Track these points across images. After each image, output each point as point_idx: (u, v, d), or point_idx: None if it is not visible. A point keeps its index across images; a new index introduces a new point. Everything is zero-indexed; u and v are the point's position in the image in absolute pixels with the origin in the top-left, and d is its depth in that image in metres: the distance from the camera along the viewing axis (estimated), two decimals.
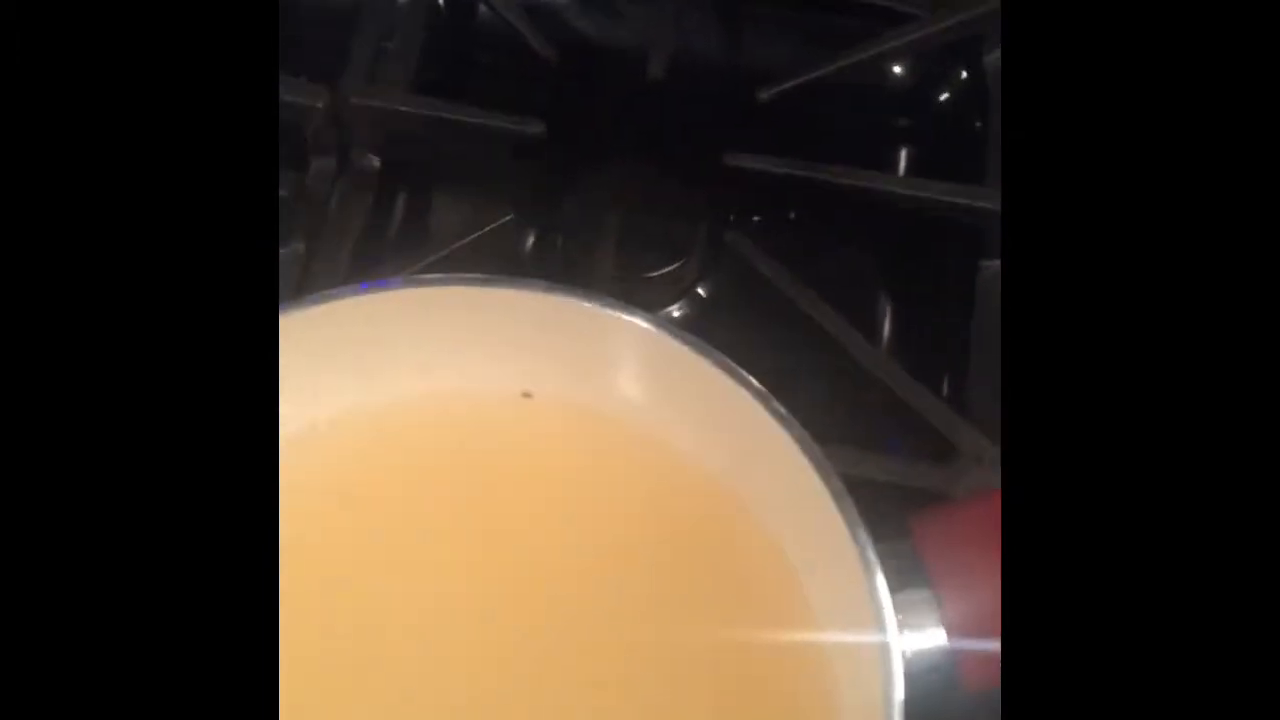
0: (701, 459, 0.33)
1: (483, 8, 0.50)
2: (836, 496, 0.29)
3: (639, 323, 0.32)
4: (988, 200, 0.45)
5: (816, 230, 0.47)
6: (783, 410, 0.31)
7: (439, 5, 0.50)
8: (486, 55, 0.50)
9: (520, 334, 0.33)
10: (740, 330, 0.44)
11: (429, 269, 0.42)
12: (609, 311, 0.32)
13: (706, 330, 0.34)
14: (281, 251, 0.44)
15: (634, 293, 0.43)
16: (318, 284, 0.43)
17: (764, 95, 0.47)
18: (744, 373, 0.31)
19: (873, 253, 0.47)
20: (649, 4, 0.49)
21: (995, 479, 0.38)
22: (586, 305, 0.32)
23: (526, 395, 0.34)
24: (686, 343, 0.31)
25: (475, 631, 0.32)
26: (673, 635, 0.32)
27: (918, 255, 0.47)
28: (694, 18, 0.49)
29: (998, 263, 0.44)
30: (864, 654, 0.28)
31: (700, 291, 0.46)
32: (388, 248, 0.45)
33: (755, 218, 0.47)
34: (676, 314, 0.46)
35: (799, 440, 0.30)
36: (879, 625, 0.28)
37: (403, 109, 0.45)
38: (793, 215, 0.48)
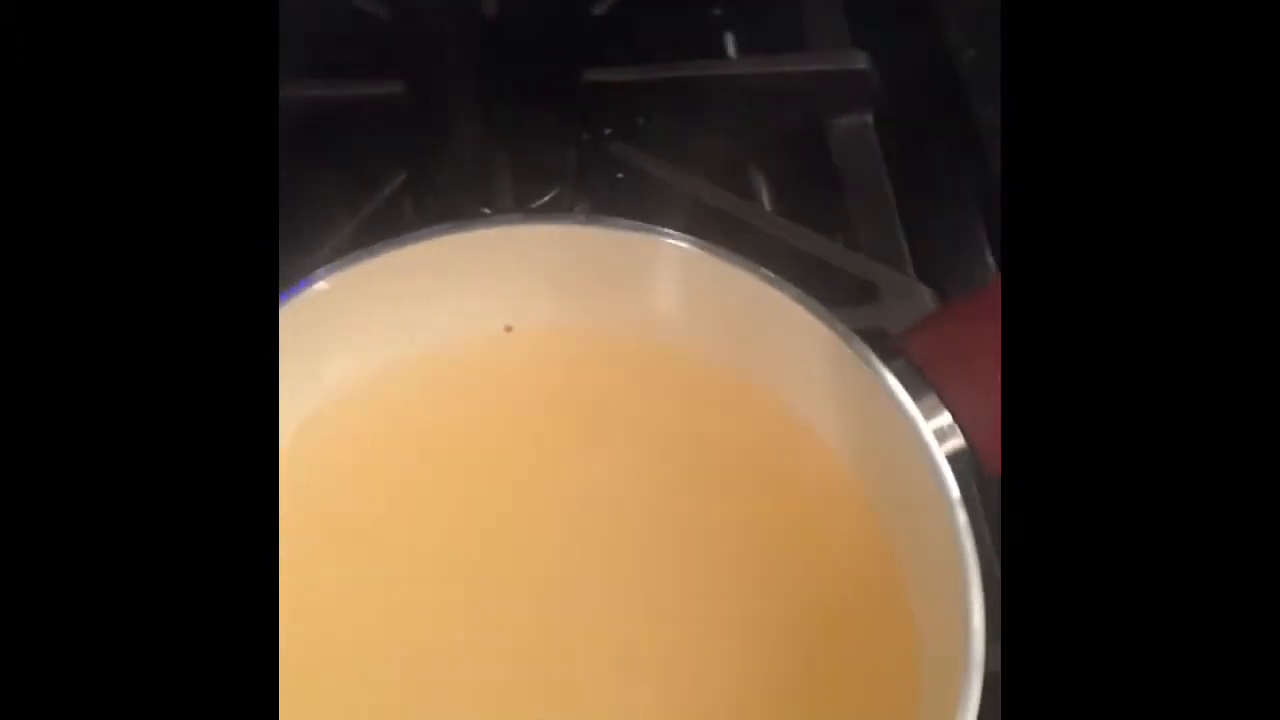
0: (734, 364, 0.35)
1: None
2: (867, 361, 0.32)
3: (674, 242, 0.34)
4: (820, 63, 0.49)
5: (674, 129, 0.50)
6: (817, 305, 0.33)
7: None
8: (317, 27, 0.50)
9: (546, 268, 0.35)
10: None
11: (338, 251, 0.43)
12: (641, 235, 0.34)
13: None
14: None
15: None
16: None
17: (597, 10, 0.49)
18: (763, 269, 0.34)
19: (730, 131, 0.50)
20: None
21: (920, 305, 0.42)
22: (618, 232, 0.33)
23: (508, 329, 0.36)
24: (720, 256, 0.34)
25: (541, 559, 0.34)
26: (721, 528, 0.34)
27: (770, 124, 0.50)
28: None
29: (848, 117, 0.48)
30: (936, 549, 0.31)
31: (579, 210, 0.48)
32: (285, 242, 0.44)
33: (610, 129, 0.49)
34: None
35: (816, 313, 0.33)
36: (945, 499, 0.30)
37: None
38: (642, 120, 0.50)
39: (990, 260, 0.45)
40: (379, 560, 0.33)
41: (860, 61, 0.48)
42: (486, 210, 0.45)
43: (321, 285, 0.33)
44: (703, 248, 0.34)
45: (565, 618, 0.33)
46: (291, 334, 0.32)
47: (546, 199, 0.46)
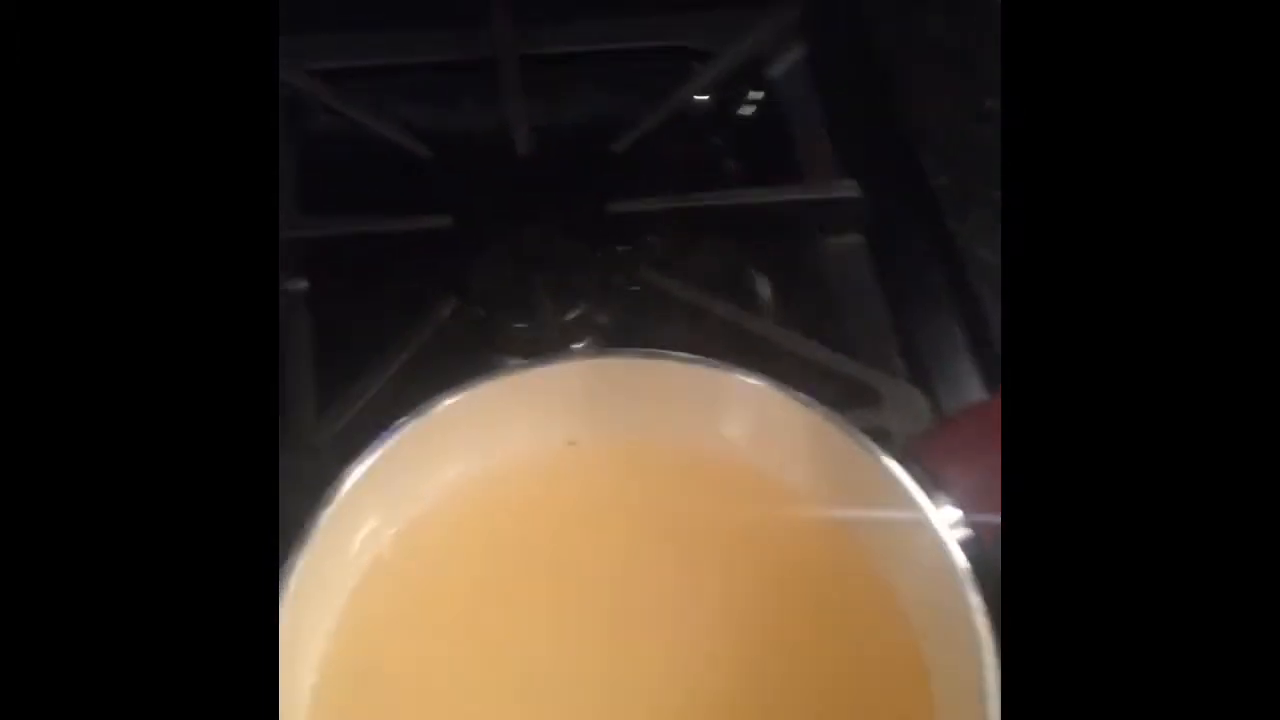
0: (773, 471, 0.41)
1: (336, 121, 0.56)
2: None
3: (747, 380, 0.40)
4: (820, 193, 0.56)
5: (685, 247, 0.56)
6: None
7: (295, 130, 0.55)
8: (362, 165, 0.56)
9: (629, 396, 0.40)
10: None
11: (405, 369, 0.48)
12: (718, 371, 0.40)
13: None
14: None
15: (558, 336, 0.51)
16: (290, 404, 0.48)
17: (617, 147, 0.55)
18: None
19: (735, 252, 0.56)
20: (488, 93, 0.56)
21: (916, 407, 0.48)
22: (693, 367, 0.39)
23: (572, 443, 0.42)
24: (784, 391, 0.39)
25: (603, 652, 0.38)
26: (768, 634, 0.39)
27: (774, 245, 0.56)
28: (541, 94, 0.56)
29: (841, 238, 0.55)
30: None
31: (601, 322, 0.54)
32: (350, 364, 0.49)
33: (627, 248, 0.55)
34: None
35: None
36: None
37: (328, 233, 0.51)
38: (655, 239, 0.56)
39: (973, 365, 0.51)
40: (460, 655, 0.38)
41: (849, 189, 0.54)
42: (521, 325, 0.51)
43: (432, 413, 0.38)
44: (765, 382, 0.40)
45: (627, 714, 0.38)
46: (399, 457, 0.37)
47: (575, 314, 0.52)
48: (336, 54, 0.58)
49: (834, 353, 0.51)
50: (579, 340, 0.52)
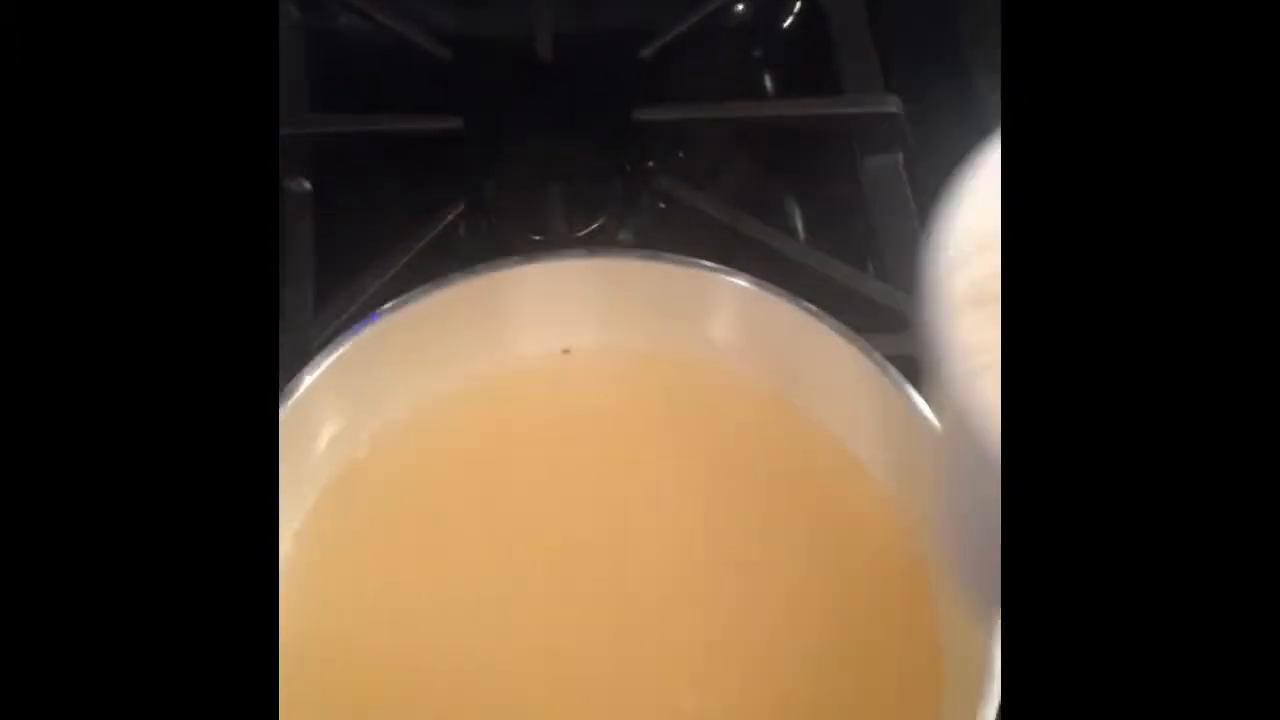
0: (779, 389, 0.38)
1: (356, 20, 0.53)
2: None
3: (734, 280, 0.37)
4: (854, 106, 0.52)
5: (714, 162, 0.53)
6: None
7: (312, 29, 0.53)
8: (378, 65, 0.53)
9: (602, 297, 0.38)
10: None
11: (405, 271, 0.46)
12: (693, 270, 0.37)
13: None
14: None
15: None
16: (288, 305, 0.46)
17: (645, 53, 0.52)
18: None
19: (768, 166, 0.53)
20: None
21: None
22: (669, 266, 0.37)
23: (566, 351, 0.39)
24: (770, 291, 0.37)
25: (592, 565, 0.37)
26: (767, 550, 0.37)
27: (808, 162, 0.53)
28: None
29: (880, 157, 0.51)
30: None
31: (624, 238, 0.51)
32: (350, 265, 0.47)
33: (653, 162, 0.52)
34: None
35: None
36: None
37: (333, 130, 0.49)
38: (682, 155, 0.53)
39: None
40: (441, 559, 0.36)
41: (892, 105, 0.51)
42: (538, 237, 0.48)
43: (402, 311, 0.36)
44: (753, 283, 0.37)
45: (612, 622, 0.36)
46: (372, 354, 0.35)
47: (594, 227, 0.49)
48: None
49: (866, 275, 0.48)
50: None
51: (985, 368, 0.23)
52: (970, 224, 0.25)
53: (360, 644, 0.34)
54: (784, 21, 0.57)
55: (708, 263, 0.37)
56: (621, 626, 0.36)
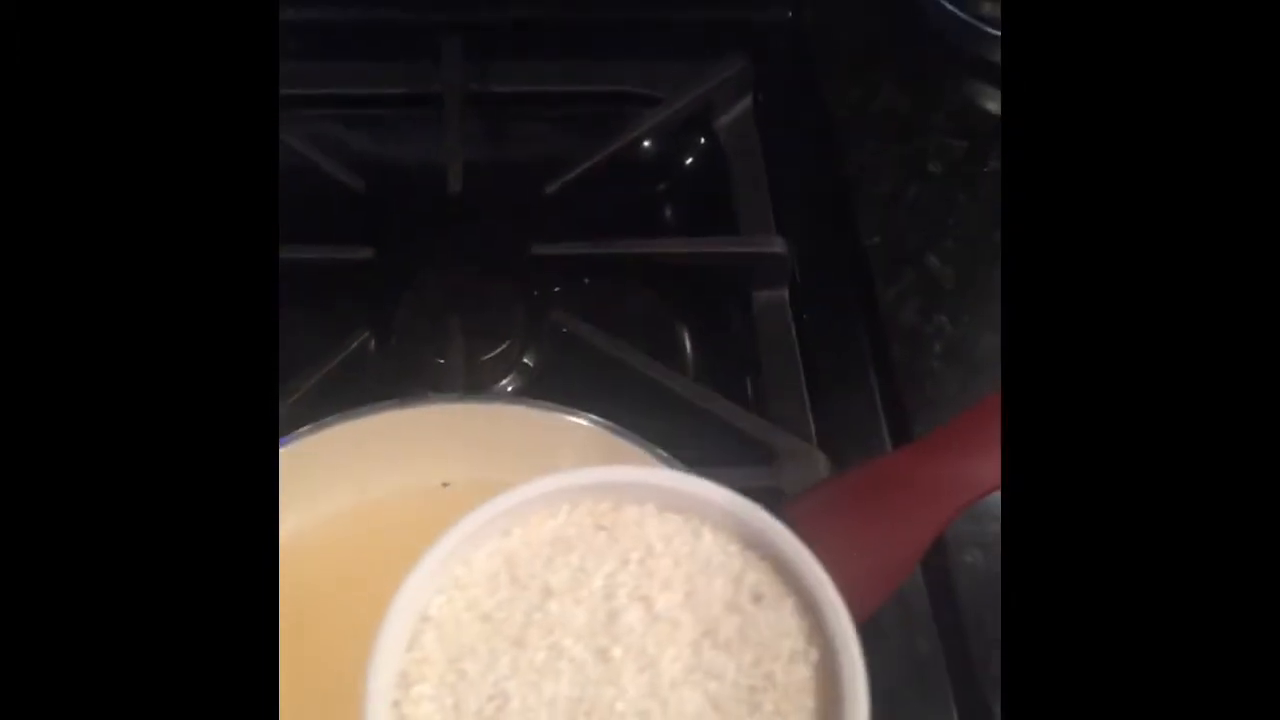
0: None
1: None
2: None
3: (581, 422, 0.41)
4: (743, 246, 0.56)
5: (613, 293, 0.56)
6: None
7: None
8: (294, 192, 0.56)
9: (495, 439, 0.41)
10: (567, 388, 0.51)
11: (306, 396, 0.49)
12: (551, 414, 0.41)
13: (541, 394, 0.43)
14: None
15: (474, 374, 0.51)
16: None
17: (550, 189, 0.55)
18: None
19: (662, 301, 0.57)
20: (433, 127, 0.57)
21: (813, 469, 0.48)
22: (532, 411, 0.40)
23: (445, 484, 0.42)
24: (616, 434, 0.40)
25: None
26: None
27: (699, 295, 0.56)
28: (478, 132, 0.57)
29: (767, 293, 0.55)
30: None
31: (527, 362, 0.54)
32: None
33: (558, 289, 0.55)
34: (510, 387, 0.53)
35: None
36: None
37: None
38: (588, 281, 0.57)
39: (884, 429, 0.51)
40: (313, 666, 0.38)
41: (779, 246, 0.54)
42: (441, 360, 0.51)
43: (288, 446, 0.39)
44: (603, 426, 0.40)
45: None
46: None
47: (495, 353, 0.52)
48: (289, 81, 0.58)
49: (741, 409, 0.51)
50: (498, 380, 0.53)
51: None
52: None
53: None
54: (686, 159, 0.60)
55: (562, 406, 0.40)
56: None
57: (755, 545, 0.32)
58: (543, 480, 0.33)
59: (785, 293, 0.55)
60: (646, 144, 0.60)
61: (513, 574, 0.32)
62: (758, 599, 0.32)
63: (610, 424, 0.40)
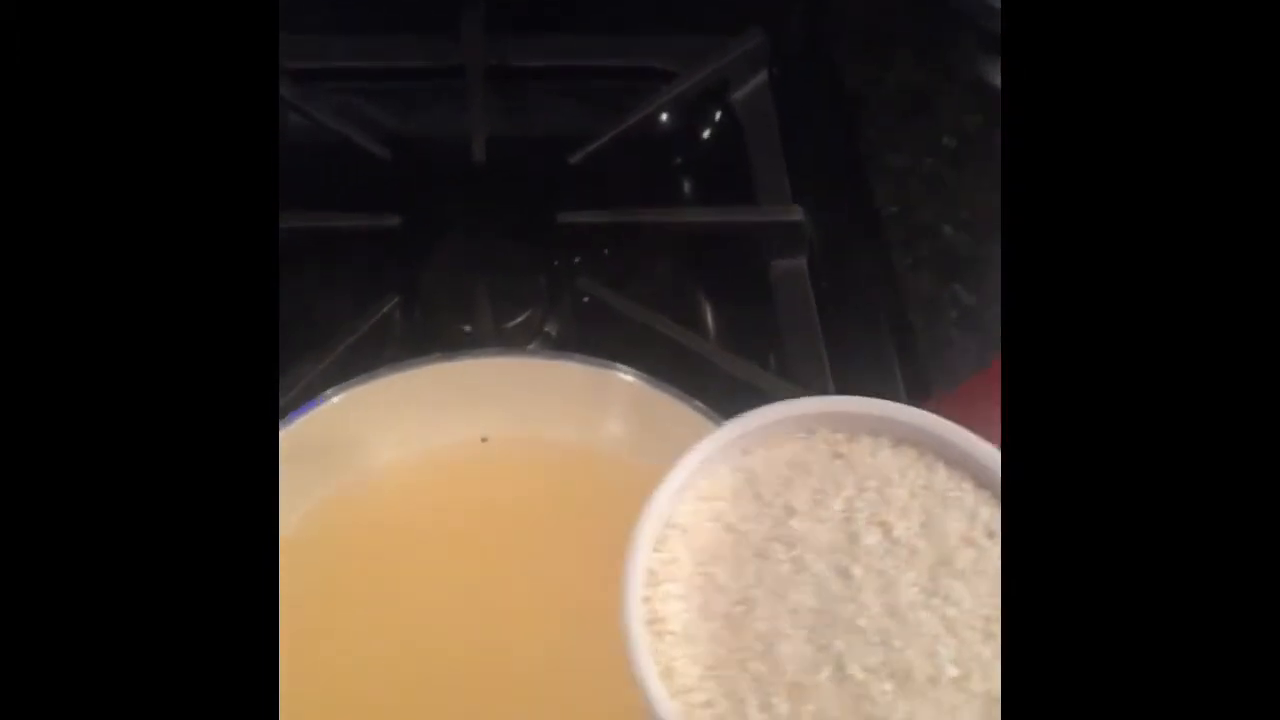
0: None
1: (302, 120, 0.57)
2: None
3: (626, 377, 0.42)
4: (762, 215, 0.57)
5: (633, 262, 0.57)
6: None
7: None
8: (322, 163, 0.57)
9: (534, 393, 0.42)
10: (592, 354, 0.52)
11: (340, 362, 0.49)
12: (593, 368, 0.42)
13: None
14: None
15: (498, 341, 0.52)
16: None
17: (573, 159, 0.56)
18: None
19: (682, 271, 0.58)
20: (455, 99, 0.58)
21: None
22: (574, 365, 0.41)
23: (484, 439, 0.43)
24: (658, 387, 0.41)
25: (493, 618, 0.40)
26: None
27: (718, 265, 0.57)
28: (498, 105, 0.58)
29: (785, 260, 0.56)
30: None
31: (549, 330, 0.55)
32: (287, 356, 0.49)
33: (578, 259, 0.56)
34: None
35: None
36: None
37: (280, 226, 0.52)
38: (607, 251, 0.57)
39: (902, 390, 0.52)
40: (365, 629, 0.40)
41: (797, 214, 0.55)
42: (467, 328, 0.52)
43: (333, 400, 0.39)
44: (645, 380, 0.41)
45: (519, 699, 0.39)
46: (308, 438, 0.38)
47: (519, 320, 0.53)
48: (312, 55, 0.60)
49: (766, 373, 0.52)
50: (523, 345, 0.53)
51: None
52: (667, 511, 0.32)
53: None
54: (704, 132, 0.61)
55: (603, 360, 0.41)
56: (529, 703, 0.39)
57: (987, 485, 0.33)
58: (780, 405, 0.34)
59: (803, 261, 0.56)
60: (664, 117, 0.61)
61: (755, 491, 0.33)
62: (991, 534, 0.32)
63: (654, 379, 0.41)
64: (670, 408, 0.40)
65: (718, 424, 0.40)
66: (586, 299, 0.55)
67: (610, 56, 0.62)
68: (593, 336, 0.54)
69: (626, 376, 0.41)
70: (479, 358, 0.42)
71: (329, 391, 0.40)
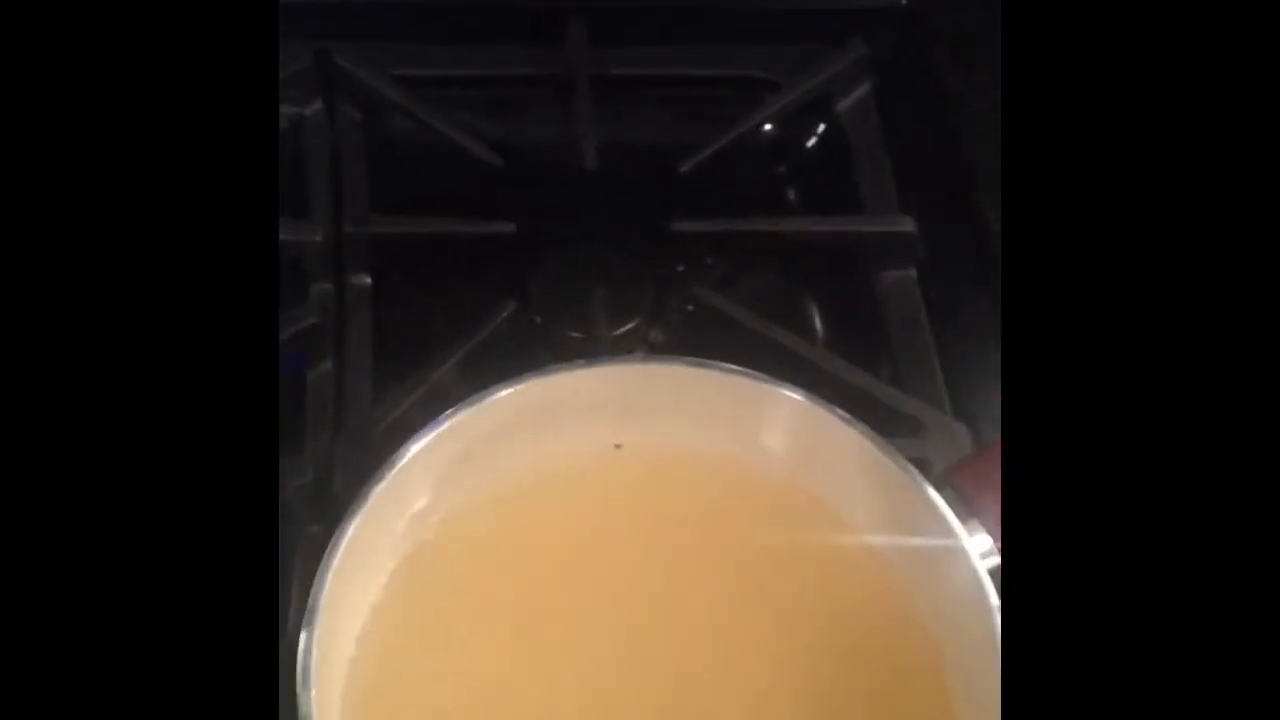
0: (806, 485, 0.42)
1: (412, 125, 0.58)
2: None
3: (789, 394, 0.41)
4: (872, 225, 0.57)
5: (740, 271, 0.57)
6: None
7: (372, 132, 0.57)
8: (434, 169, 0.57)
9: (674, 402, 0.42)
10: None
11: (459, 367, 0.50)
12: (761, 384, 0.41)
13: None
14: (310, 374, 0.50)
15: (608, 349, 0.52)
16: (348, 393, 0.49)
17: (684, 168, 0.57)
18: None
19: (790, 280, 0.58)
20: (562, 108, 0.58)
21: (958, 439, 0.49)
22: (737, 378, 0.41)
23: (618, 446, 0.43)
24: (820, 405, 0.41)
25: (635, 645, 0.40)
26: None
27: (826, 275, 0.57)
28: (610, 113, 0.58)
29: (894, 271, 0.56)
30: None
31: (655, 338, 0.55)
32: (407, 359, 0.50)
33: (681, 268, 0.56)
34: None
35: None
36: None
37: (393, 231, 0.53)
38: (710, 261, 0.57)
39: None
40: (503, 635, 0.40)
41: (907, 224, 0.55)
42: (577, 335, 0.52)
43: (477, 407, 0.40)
44: (805, 396, 0.41)
45: (658, 705, 0.39)
46: (451, 444, 0.39)
47: (629, 327, 0.53)
48: (419, 63, 0.60)
49: (880, 382, 0.52)
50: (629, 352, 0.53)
51: None
52: None
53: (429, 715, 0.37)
54: (808, 141, 0.62)
55: (758, 374, 0.41)
56: (666, 709, 0.39)
57: None
58: None
59: (913, 272, 0.56)
60: (768, 127, 0.61)
61: None
62: None
63: (803, 391, 0.41)
64: (819, 420, 0.40)
65: (870, 440, 0.40)
66: (691, 307, 0.55)
67: (712, 66, 0.62)
68: (699, 343, 0.54)
69: (791, 393, 0.41)
70: (616, 364, 0.42)
71: (465, 402, 0.40)
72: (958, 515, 0.39)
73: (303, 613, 0.35)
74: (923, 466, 0.45)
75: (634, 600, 0.41)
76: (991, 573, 0.38)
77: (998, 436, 0.49)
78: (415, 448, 0.38)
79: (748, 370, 0.41)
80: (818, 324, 0.56)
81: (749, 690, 0.39)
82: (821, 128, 0.61)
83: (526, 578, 0.40)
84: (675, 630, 0.40)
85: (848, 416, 0.40)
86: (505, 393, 0.40)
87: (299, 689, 0.34)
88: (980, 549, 0.39)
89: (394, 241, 0.54)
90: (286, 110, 0.56)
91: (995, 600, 0.37)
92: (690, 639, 0.40)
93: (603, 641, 0.40)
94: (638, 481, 0.42)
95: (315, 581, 0.36)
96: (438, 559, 0.40)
